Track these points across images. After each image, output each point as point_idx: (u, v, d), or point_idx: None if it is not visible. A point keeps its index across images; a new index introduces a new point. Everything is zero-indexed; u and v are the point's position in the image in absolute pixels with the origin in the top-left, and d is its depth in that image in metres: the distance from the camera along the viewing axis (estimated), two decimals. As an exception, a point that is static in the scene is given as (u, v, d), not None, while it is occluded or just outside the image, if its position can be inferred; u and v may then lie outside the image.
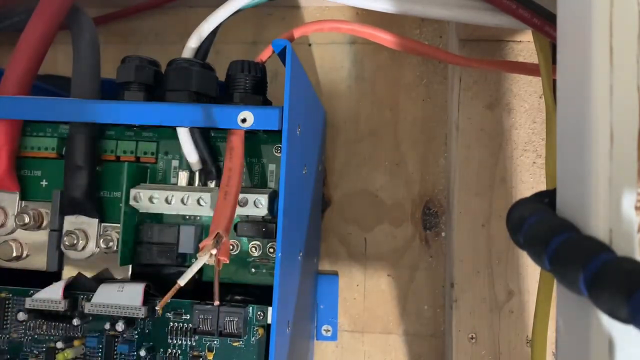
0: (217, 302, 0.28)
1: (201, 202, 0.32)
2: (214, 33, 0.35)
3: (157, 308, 0.31)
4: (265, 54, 0.34)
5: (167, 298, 0.28)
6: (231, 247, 0.34)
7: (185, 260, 0.35)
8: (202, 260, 0.28)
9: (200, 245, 0.28)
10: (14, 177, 0.35)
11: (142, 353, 0.32)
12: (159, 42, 0.50)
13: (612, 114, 0.18)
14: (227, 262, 0.29)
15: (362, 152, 0.47)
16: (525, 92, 0.42)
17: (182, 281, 0.28)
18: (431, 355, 0.45)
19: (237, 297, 0.33)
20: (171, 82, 0.32)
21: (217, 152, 0.35)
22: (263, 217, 0.34)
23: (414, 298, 0.46)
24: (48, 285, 0.33)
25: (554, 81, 0.24)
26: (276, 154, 0.35)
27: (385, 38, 0.35)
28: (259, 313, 0.32)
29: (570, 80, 0.20)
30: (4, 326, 0.34)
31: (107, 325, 0.33)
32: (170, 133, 0.35)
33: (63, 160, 0.34)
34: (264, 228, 0.33)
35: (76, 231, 0.34)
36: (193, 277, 0.35)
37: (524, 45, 0.42)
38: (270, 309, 0.31)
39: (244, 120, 0.29)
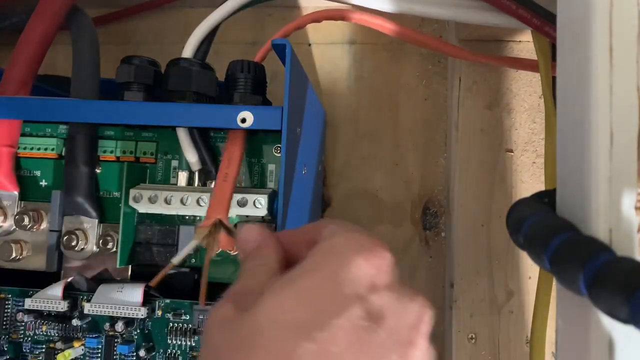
0: (202, 303, 0.28)
1: (201, 202, 0.32)
2: (213, 33, 0.35)
3: (150, 284, 0.31)
4: (260, 54, 0.34)
5: (160, 276, 0.28)
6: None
7: (184, 261, 0.35)
8: (196, 241, 0.28)
9: (198, 225, 0.28)
10: (14, 177, 0.35)
11: (142, 353, 0.32)
12: (159, 42, 0.50)
13: (612, 114, 0.18)
14: (228, 249, 0.29)
15: (361, 152, 0.47)
16: (525, 92, 0.42)
17: (175, 260, 0.28)
18: (431, 355, 0.45)
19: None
20: (171, 82, 0.32)
21: (217, 152, 0.35)
22: (263, 217, 0.34)
23: (413, 298, 0.46)
24: (48, 285, 0.33)
25: (554, 81, 0.24)
26: (276, 154, 0.35)
27: (391, 28, 0.35)
28: (258, 313, 0.32)
29: (570, 80, 0.20)
30: (4, 326, 0.34)
31: (107, 326, 0.33)
32: (170, 133, 0.35)
33: (63, 160, 0.34)
34: (264, 228, 0.33)
35: (76, 231, 0.34)
36: (193, 278, 0.35)
37: (524, 45, 0.42)
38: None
39: (243, 120, 0.29)
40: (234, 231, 0.27)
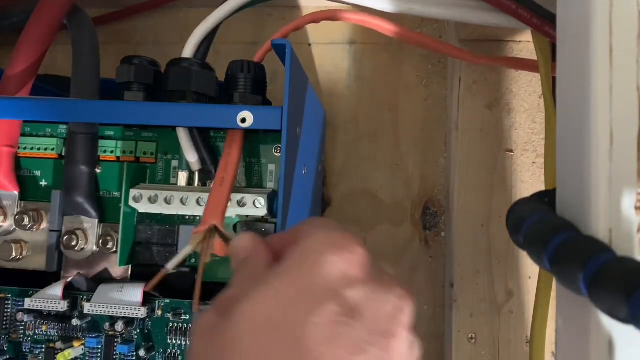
0: (195, 308, 0.28)
1: (201, 202, 0.32)
2: (213, 33, 0.35)
3: (145, 290, 0.31)
4: (260, 54, 0.34)
5: (155, 282, 0.28)
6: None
7: (184, 261, 0.35)
8: (191, 246, 0.28)
9: (193, 231, 0.28)
10: (14, 177, 0.35)
11: (142, 353, 0.32)
12: (159, 42, 0.50)
13: (612, 114, 0.18)
14: (222, 255, 0.29)
15: (361, 152, 0.47)
16: (525, 92, 0.42)
17: (170, 265, 0.28)
18: (431, 355, 0.45)
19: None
20: (171, 82, 0.32)
21: (217, 153, 0.35)
22: (262, 217, 0.34)
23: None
24: (48, 285, 0.33)
25: (554, 81, 0.24)
26: (276, 154, 0.35)
27: (390, 29, 0.35)
28: (258, 313, 0.32)
29: (570, 80, 0.20)
30: (4, 326, 0.34)
31: (107, 326, 0.33)
32: (170, 133, 0.35)
33: (63, 160, 0.34)
34: (264, 228, 0.33)
35: (76, 231, 0.34)
36: (192, 278, 0.35)
37: (524, 45, 0.42)
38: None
39: (243, 120, 0.29)
40: (229, 237, 0.27)
